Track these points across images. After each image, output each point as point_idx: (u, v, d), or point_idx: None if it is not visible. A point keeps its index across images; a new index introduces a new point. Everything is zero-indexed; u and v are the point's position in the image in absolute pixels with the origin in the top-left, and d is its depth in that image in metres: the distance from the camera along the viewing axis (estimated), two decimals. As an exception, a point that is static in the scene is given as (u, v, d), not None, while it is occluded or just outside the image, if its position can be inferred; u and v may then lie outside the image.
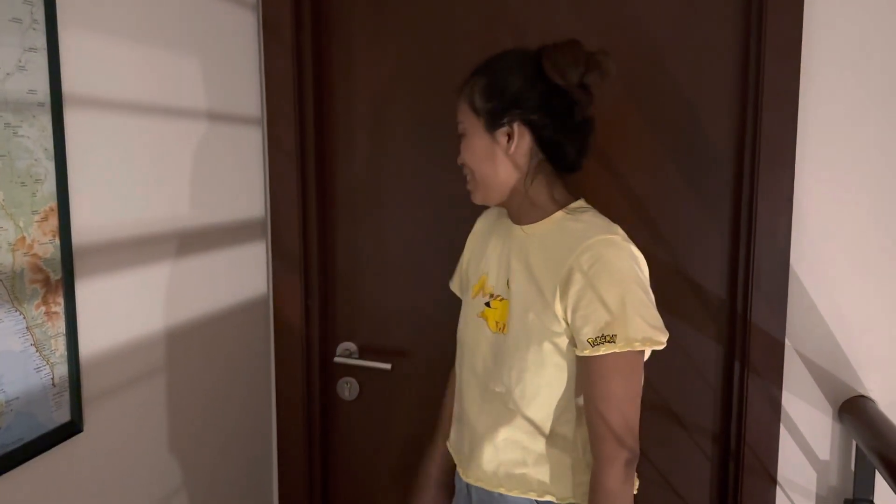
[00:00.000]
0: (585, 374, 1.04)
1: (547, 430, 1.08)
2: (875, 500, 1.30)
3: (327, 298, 1.68)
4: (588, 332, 1.00)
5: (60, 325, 1.06)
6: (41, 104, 1.01)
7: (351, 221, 1.64)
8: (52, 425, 1.06)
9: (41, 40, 1.00)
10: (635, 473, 1.05)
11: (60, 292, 1.06)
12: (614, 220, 1.10)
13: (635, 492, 1.09)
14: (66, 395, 1.08)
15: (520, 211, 1.14)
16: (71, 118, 1.07)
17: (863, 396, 1.33)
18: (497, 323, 1.13)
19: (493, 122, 1.08)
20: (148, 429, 1.29)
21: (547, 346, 1.05)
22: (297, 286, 1.61)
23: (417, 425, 1.65)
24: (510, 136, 1.08)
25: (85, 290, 1.11)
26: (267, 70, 1.56)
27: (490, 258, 1.19)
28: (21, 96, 0.97)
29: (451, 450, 1.26)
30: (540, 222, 1.11)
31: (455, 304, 1.30)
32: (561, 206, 1.11)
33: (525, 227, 1.13)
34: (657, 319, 1.02)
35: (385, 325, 1.65)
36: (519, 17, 1.46)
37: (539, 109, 1.06)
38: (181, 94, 1.32)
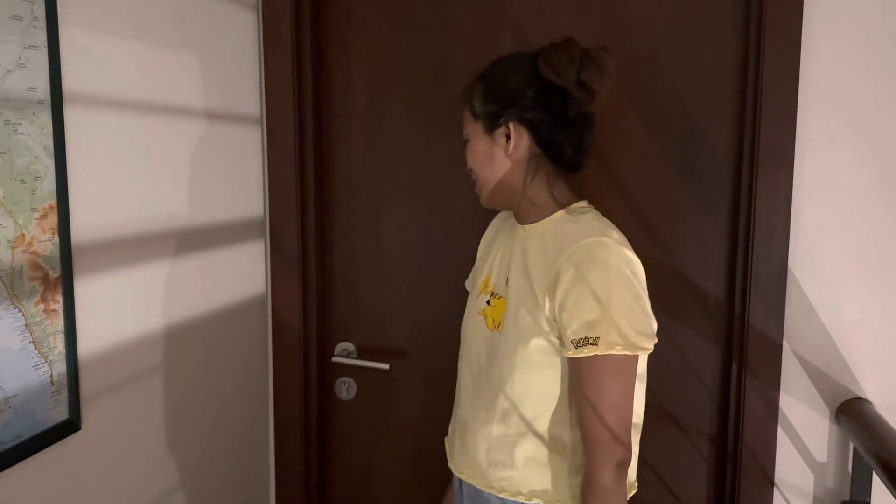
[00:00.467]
0: (576, 375, 1.03)
1: (538, 429, 1.08)
2: (872, 502, 1.30)
3: (325, 298, 1.68)
4: (572, 333, 1.00)
5: (59, 322, 1.06)
6: (41, 102, 1.01)
7: (349, 221, 1.64)
8: (50, 423, 1.06)
9: (41, 38, 1.00)
10: (628, 475, 1.05)
11: (59, 290, 1.06)
12: (612, 221, 1.10)
13: (632, 493, 1.09)
14: (65, 393, 1.08)
15: (522, 211, 1.15)
16: (71, 116, 1.07)
17: (860, 398, 1.34)
18: (494, 321, 1.14)
19: (491, 123, 1.10)
20: (146, 427, 1.29)
21: (538, 344, 1.05)
22: (296, 285, 1.61)
23: (415, 425, 1.65)
24: (508, 137, 1.09)
25: (84, 288, 1.11)
26: (266, 70, 1.56)
27: (494, 257, 1.20)
28: (21, 94, 0.97)
29: (446, 443, 1.26)
30: (540, 222, 1.11)
31: (454, 303, 1.31)
32: (562, 206, 1.11)
33: (526, 226, 1.13)
34: (644, 324, 1.01)
35: (383, 324, 1.65)
36: (517, 19, 1.46)
37: (535, 107, 1.07)
38: (181, 93, 1.32)
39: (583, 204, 1.13)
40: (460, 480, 1.19)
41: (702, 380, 1.46)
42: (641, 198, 1.44)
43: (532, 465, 1.09)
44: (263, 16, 1.55)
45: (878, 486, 1.28)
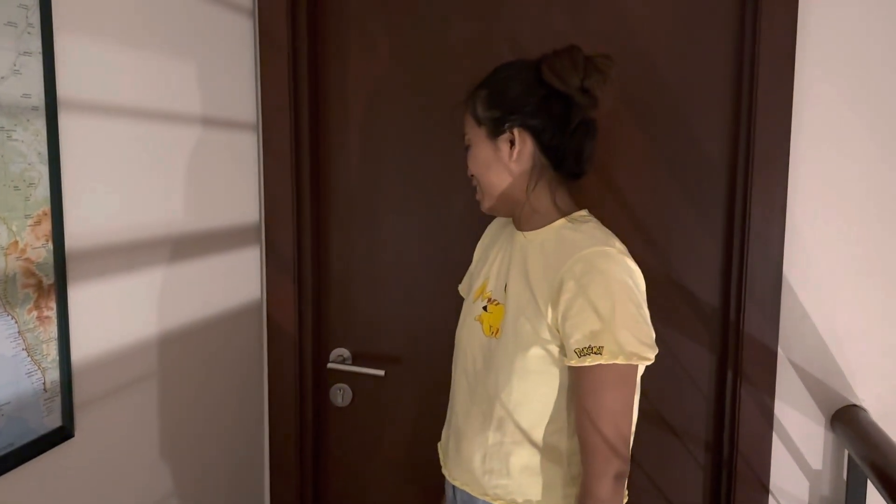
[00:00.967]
0: (577, 384, 1.03)
1: (534, 438, 1.08)
2: (867, 510, 1.30)
3: (321, 304, 1.68)
4: (575, 343, 1.00)
5: (52, 329, 1.06)
6: (35, 108, 1.00)
7: (345, 227, 1.64)
8: (42, 430, 1.05)
9: (36, 44, 1.00)
10: (625, 486, 1.05)
11: (53, 297, 1.05)
12: (607, 227, 1.10)
13: (625, 501, 1.09)
14: (58, 401, 1.07)
15: (522, 217, 1.14)
16: (65, 122, 1.07)
17: (855, 406, 1.34)
18: (491, 327, 1.13)
19: (494, 129, 1.10)
20: (139, 434, 1.28)
21: (537, 352, 1.05)
22: (291, 291, 1.61)
23: (410, 432, 1.64)
24: (512, 143, 1.09)
25: (77, 295, 1.11)
26: (262, 76, 1.56)
27: (492, 263, 1.20)
28: (15, 100, 0.97)
29: (439, 449, 1.26)
30: (541, 229, 1.11)
31: (450, 310, 1.30)
32: (563, 214, 1.11)
33: (526, 233, 1.13)
34: (646, 335, 1.02)
35: (379, 331, 1.64)
36: (513, 24, 1.47)
37: (538, 114, 1.07)
38: (176, 99, 1.32)
39: (584, 213, 1.13)
40: (454, 487, 1.19)
41: (697, 387, 1.46)
42: (636, 205, 1.44)
43: (527, 474, 1.09)
44: (260, 22, 1.55)
45: (872, 493, 1.28)
